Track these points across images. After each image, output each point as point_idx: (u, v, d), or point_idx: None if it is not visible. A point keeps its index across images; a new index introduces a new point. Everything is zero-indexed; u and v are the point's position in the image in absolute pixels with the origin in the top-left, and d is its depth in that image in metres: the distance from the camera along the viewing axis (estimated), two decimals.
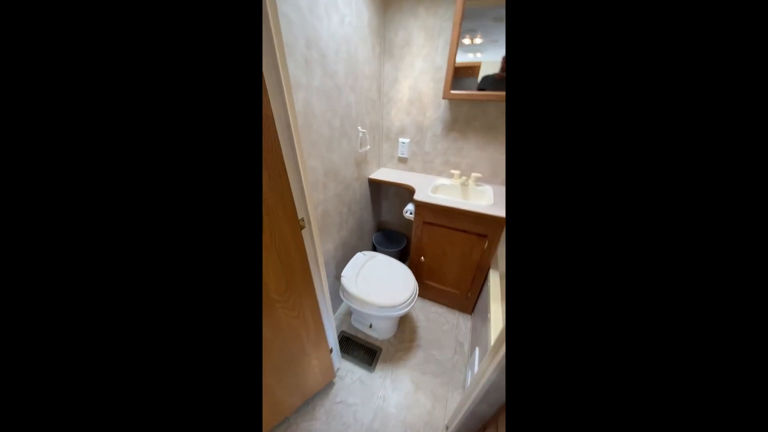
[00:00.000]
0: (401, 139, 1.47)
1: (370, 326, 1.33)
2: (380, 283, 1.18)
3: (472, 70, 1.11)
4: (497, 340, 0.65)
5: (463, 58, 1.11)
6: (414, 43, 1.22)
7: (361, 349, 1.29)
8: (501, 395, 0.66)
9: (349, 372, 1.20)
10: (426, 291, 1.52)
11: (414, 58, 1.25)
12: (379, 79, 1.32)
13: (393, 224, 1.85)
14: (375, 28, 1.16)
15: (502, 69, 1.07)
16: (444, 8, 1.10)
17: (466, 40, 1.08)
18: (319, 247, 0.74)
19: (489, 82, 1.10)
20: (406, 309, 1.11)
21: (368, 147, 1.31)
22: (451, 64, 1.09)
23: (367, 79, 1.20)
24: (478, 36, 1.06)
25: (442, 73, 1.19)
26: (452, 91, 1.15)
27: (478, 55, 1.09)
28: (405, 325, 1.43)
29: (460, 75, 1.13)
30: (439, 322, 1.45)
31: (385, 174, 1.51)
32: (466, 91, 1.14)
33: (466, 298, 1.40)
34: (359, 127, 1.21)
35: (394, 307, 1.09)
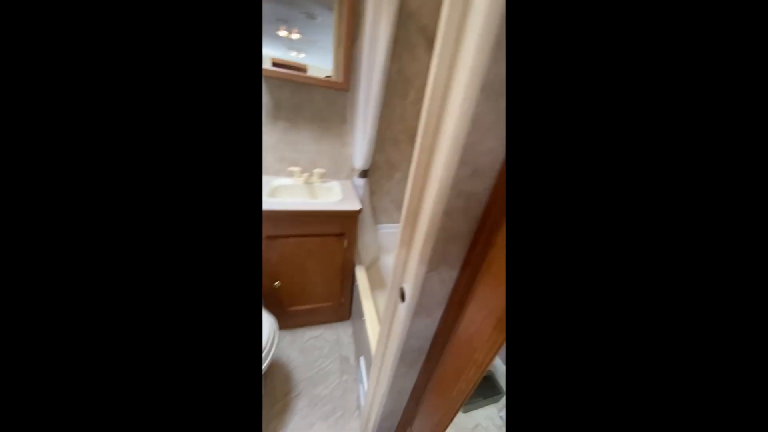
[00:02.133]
0: None
1: None
2: None
3: (299, 71, 0.99)
4: (377, 351, 0.55)
5: (285, 54, 0.95)
6: None
7: None
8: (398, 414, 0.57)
9: None
10: (294, 319, 1.23)
11: None
12: None
13: None
14: None
15: (341, 78, 1.00)
16: None
17: (282, 32, 0.92)
18: None
19: None
20: (263, 366, 0.78)
21: None
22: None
23: None
24: (295, 31, 0.94)
25: None
26: (271, 67, 0.91)
27: (302, 55, 0.98)
28: (272, 379, 1.07)
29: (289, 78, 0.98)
30: (317, 347, 1.22)
31: None
32: (285, 69, 0.95)
33: (341, 306, 1.29)
34: None
35: None
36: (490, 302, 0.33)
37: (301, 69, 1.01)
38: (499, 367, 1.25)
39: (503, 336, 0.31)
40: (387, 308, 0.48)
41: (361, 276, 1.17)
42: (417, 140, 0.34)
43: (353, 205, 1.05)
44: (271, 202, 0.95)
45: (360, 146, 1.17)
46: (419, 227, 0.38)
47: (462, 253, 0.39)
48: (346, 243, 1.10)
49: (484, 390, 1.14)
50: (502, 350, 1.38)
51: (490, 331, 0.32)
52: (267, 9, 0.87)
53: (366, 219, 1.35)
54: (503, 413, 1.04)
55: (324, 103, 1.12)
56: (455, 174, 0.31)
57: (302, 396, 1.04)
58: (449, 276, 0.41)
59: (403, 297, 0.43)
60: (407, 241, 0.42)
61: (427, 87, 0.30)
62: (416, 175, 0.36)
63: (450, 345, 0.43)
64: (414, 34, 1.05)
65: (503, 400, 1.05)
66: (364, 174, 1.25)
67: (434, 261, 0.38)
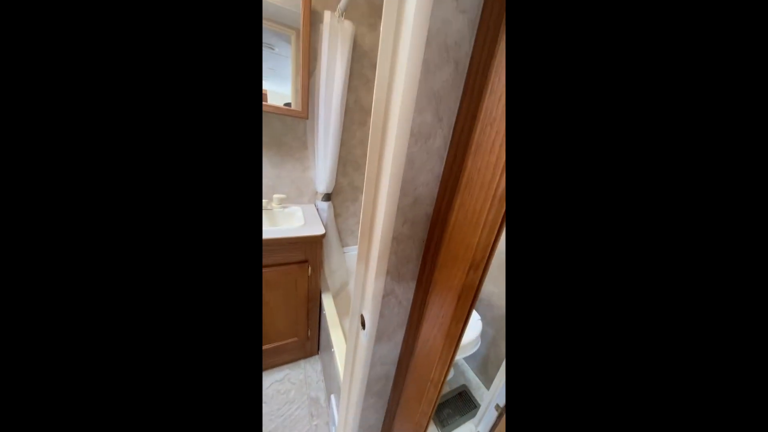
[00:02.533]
0: None
1: None
2: None
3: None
4: (344, 384, 0.53)
5: None
6: None
7: None
8: None
9: None
10: None
11: None
12: None
13: None
14: None
15: (299, 107, 1.04)
16: None
17: None
18: None
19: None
20: None
21: None
22: None
23: None
24: None
25: None
26: None
27: (264, 82, 1.03)
28: None
29: None
30: (281, 393, 1.11)
31: None
32: None
33: (308, 340, 1.20)
34: None
35: None
36: (438, 319, 0.36)
37: (264, 94, 1.03)
38: (472, 380, 1.27)
39: (453, 351, 0.33)
40: (350, 337, 0.47)
41: (328, 304, 1.12)
42: (365, 175, 0.38)
43: (316, 230, 1.04)
44: None
45: (322, 170, 1.19)
46: (372, 252, 0.40)
47: (414, 275, 0.42)
48: (310, 270, 1.06)
49: (461, 407, 1.14)
50: (473, 362, 1.40)
51: (441, 348, 0.34)
52: None
53: (332, 242, 1.33)
54: (480, 427, 1.05)
55: (283, 129, 1.14)
56: (398, 203, 0.35)
57: None
58: (405, 297, 0.44)
59: (363, 324, 0.44)
60: (362, 271, 0.43)
61: (370, 131, 0.35)
62: (366, 206, 0.39)
63: (411, 367, 0.44)
64: (369, 70, 1.16)
65: (479, 414, 1.06)
66: (327, 197, 1.26)
67: (389, 284, 0.40)
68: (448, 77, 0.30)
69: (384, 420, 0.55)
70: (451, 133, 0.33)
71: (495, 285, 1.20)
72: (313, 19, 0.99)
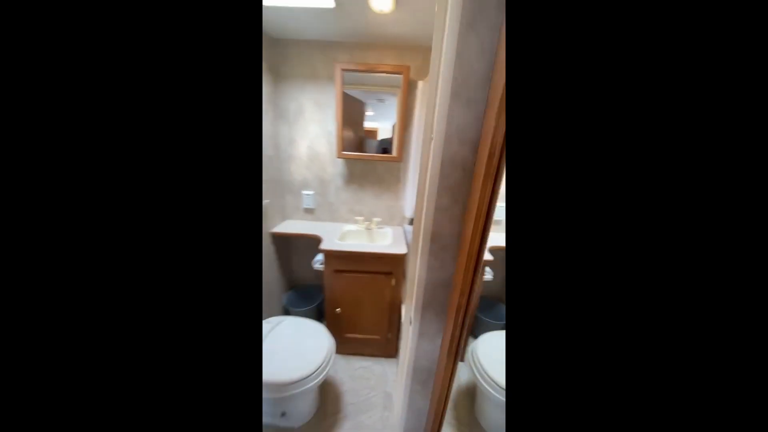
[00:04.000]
0: (304, 192, 1.63)
1: (282, 415, 1.17)
2: (285, 354, 1.06)
3: (372, 133, 1.56)
4: (399, 370, 0.77)
5: (366, 123, 1.55)
6: (306, 111, 1.49)
7: None
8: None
9: None
10: (348, 345, 1.54)
11: (307, 123, 1.51)
12: (274, 139, 1.49)
13: (308, 279, 1.85)
14: (267, 95, 1.36)
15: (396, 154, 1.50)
16: (329, 90, 1.45)
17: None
18: None
19: (387, 143, 1.52)
20: (321, 377, 1.07)
21: (267, 200, 1.37)
22: (339, 131, 1.40)
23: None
24: (370, 110, 1.53)
25: (334, 137, 1.49)
26: (343, 152, 1.45)
27: (375, 123, 1.56)
28: (327, 395, 1.35)
29: (367, 136, 1.55)
30: (364, 378, 1.44)
31: (290, 226, 1.58)
32: (355, 152, 1.46)
33: (387, 341, 1.51)
34: None
35: (303, 379, 1.02)
36: (446, 336, 0.54)
37: (375, 131, 1.52)
38: None
39: (453, 361, 0.50)
40: (403, 332, 0.72)
41: (405, 313, 1.38)
42: (412, 232, 0.63)
43: (400, 249, 1.35)
44: (340, 244, 1.37)
45: (410, 200, 1.51)
46: (418, 275, 0.64)
47: (445, 294, 0.62)
48: (393, 282, 1.37)
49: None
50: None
51: (446, 361, 0.52)
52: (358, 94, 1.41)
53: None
54: None
55: (383, 169, 1.57)
56: (430, 247, 0.58)
57: (348, 419, 1.25)
58: (442, 310, 0.63)
59: (410, 322, 0.67)
60: (411, 288, 0.68)
61: (415, 207, 0.61)
62: (412, 249, 0.64)
63: (438, 367, 0.62)
64: None
65: None
66: (412, 222, 1.56)
67: (425, 297, 0.62)
68: (458, 177, 0.51)
69: (428, 407, 0.73)
70: (463, 209, 0.53)
71: None
72: (410, 87, 1.37)
